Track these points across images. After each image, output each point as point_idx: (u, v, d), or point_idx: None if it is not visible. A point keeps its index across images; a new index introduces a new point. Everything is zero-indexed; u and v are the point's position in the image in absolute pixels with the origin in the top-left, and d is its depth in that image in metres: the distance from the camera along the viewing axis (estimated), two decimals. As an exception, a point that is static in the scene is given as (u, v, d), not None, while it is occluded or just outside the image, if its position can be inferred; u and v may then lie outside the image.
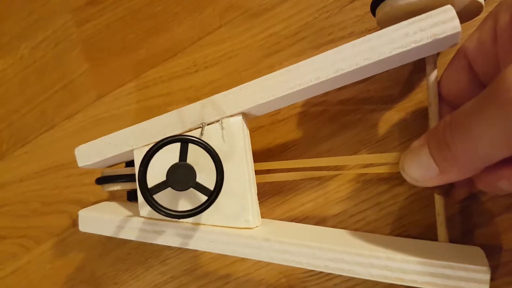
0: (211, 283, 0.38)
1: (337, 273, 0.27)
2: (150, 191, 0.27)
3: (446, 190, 0.28)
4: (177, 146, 0.28)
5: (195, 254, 0.38)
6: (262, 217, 0.32)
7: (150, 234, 0.31)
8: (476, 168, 0.22)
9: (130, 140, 0.31)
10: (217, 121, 0.30)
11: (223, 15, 0.39)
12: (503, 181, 0.23)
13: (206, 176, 0.29)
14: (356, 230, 0.34)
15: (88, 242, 0.43)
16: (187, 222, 0.30)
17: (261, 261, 0.28)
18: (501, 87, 0.19)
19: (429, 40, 0.24)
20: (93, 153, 0.33)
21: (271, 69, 0.28)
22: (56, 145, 0.45)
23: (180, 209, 0.30)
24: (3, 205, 0.47)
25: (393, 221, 0.33)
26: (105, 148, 0.32)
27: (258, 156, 0.36)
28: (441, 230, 0.29)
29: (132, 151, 0.32)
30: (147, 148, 0.27)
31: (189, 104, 0.30)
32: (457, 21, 0.24)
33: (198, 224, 0.30)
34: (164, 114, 0.31)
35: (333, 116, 0.35)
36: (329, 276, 0.34)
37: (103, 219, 0.33)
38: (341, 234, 0.32)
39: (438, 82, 0.29)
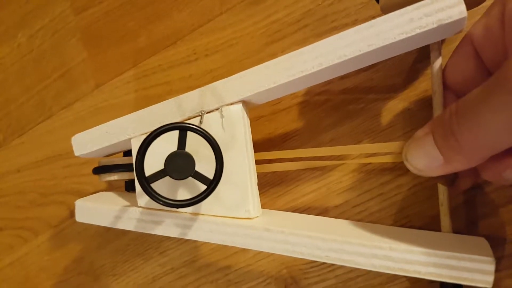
0: (211, 274, 0.37)
1: (338, 263, 0.26)
2: (147, 179, 0.26)
3: (450, 180, 0.28)
4: (176, 134, 0.27)
5: (195, 245, 0.38)
6: (263, 208, 0.31)
7: (148, 225, 0.31)
8: (483, 157, 0.22)
9: (128, 129, 0.31)
10: (217, 109, 0.29)
11: (224, 1, 0.38)
12: (509, 171, 0.23)
13: (205, 165, 0.29)
14: (358, 221, 0.33)
15: (86, 233, 0.43)
16: (186, 212, 0.30)
17: (262, 252, 0.28)
18: (509, 73, 0.18)
19: (435, 25, 0.24)
20: (90, 142, 0.32)
21: (273, 57, 0.27)
22: (54, 135, 0.45)
23: (178, 198, 0.30)
24: (0, 195, 0.47)
25: (396, 211, 0.32)
26: (102, 137, 0.32)
27: (259, 146, 0.36)
28: (445, 221, 0.29)
29: (129, 140, 0.31)
30: (145, 137, 0.27)
31: (189, 93, 0.30)
32: (463, 6, 0.23)
33: (198, 214, 0.30)
34: (162, 102, 0.30)
35: (336, 105, 0.34)
36: (331, 268, 0.33)
37: (100, 209, 0.32)
38: (343, 225, 0.31)
39: (443, 70, 0.28)
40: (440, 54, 0.28)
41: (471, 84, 0.27)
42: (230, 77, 0.29)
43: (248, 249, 0.28)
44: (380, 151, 0.29)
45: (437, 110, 0.28)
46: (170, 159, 0.27)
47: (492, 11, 0.24)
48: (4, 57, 0.48)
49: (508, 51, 0.24)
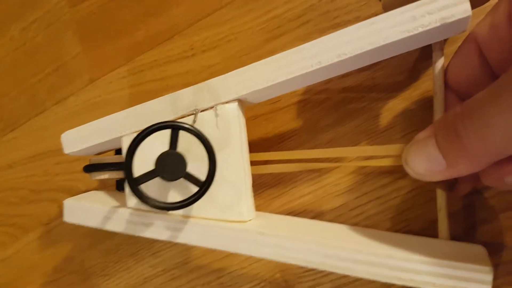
0: (203, 276, 0.37)
1: (333, 270, 0.26)
2: (137, 180, 0.26)
3: (450, 184, 0.27)
4: (168, 133, 0.26)
5: (188, 247, 0.37)
6: (258, 210, 0.31)
7: (138, 227, 0.30)
8: (489, 161, 0.21)
9: (119, 126, 0.30)
10: (212, 107, 0.28)
11: (224, -5, 0.37)
12: (511, 176, 0.22)
13: (198, 166, 0.28)
14: (355, 224, 0.32)
15: (77, 232, 0.42)
16: (177, 215, 0.29)
17: (255, 255, 0.27)
18: None
19: (437, 24, 0.23)
20: (80, 139, 0.32)
21: (273, 53, 0.27)
22: (47, 130, 0.44)
23: (170, 200, 0.29)
24: (-8, 191, 0.46)
25: (394, 215, 0.32)
26: (92, 134, 0.31)
27: (255, 146, 0.35)
28: (442, 226, 0.28)
29: (121, 137, 0.30)
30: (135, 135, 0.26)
31: (185, 90, 0.29)
32: (467, 4, 0.22)
33: (189, 216, 0.29)
34: (155, 99, 0.29)
35: (336, 104, 0.33)
36: (326, 272, 0.33)
37: (89, 209, 0.31)
38: (339, 230, 0.30)
39: (445, 70, 0.28)
40: (442, 54, 0.27)
41: (474, 85, 0.26)
42: (226, 74, 0.28)
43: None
44: (379, 154, 0.28)
45: (438, 112, 0.27)
46: (161, 159, 0.26)
47: (499, 8, 0.24)
48: (-4, 49, 0.47)
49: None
